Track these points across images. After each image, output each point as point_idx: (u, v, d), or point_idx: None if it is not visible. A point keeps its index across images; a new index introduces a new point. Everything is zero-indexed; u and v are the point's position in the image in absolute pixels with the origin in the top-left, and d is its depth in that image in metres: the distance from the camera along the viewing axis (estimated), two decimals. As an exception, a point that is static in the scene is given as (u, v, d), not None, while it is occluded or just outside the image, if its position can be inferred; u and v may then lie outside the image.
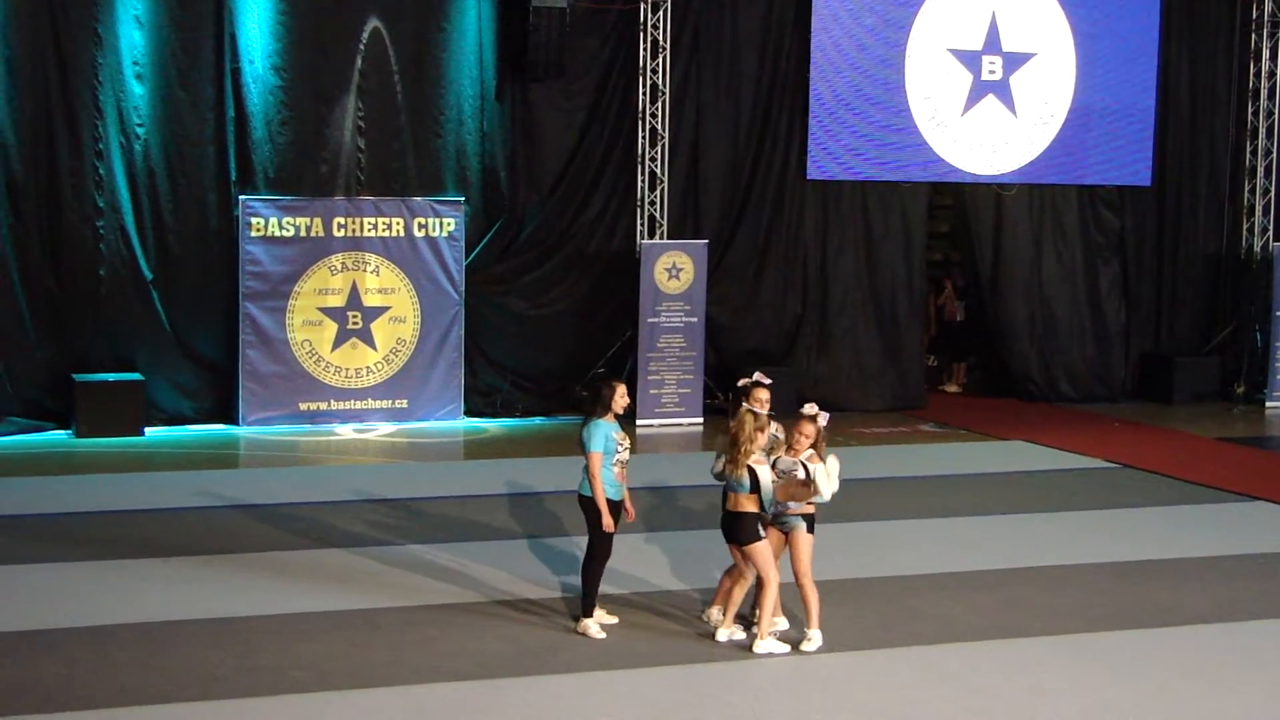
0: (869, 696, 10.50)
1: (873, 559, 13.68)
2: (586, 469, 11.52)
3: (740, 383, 11.85)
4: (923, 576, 13.47)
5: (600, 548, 11.59)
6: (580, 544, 13.73)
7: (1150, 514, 16.21)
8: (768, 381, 11.90)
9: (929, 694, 10.54)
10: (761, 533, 11.16)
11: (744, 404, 11.37)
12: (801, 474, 11.30)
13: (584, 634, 11.52)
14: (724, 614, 11.58)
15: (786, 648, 11.20)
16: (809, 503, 11.35)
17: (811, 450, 11.36)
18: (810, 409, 11.46)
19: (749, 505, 11.14)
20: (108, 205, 18.97)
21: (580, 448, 11.60)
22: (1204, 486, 17.50)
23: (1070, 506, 16.46)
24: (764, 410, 11.60)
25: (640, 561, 13.30)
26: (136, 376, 19.01)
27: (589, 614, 11.61)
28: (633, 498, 11.89)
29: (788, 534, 11.38)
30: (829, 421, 11.58)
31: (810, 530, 11.42)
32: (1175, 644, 11.74)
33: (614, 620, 11.76)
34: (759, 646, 11.17)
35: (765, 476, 11.10)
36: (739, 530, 11.21)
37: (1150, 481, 17.84)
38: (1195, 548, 14.69)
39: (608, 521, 11.48)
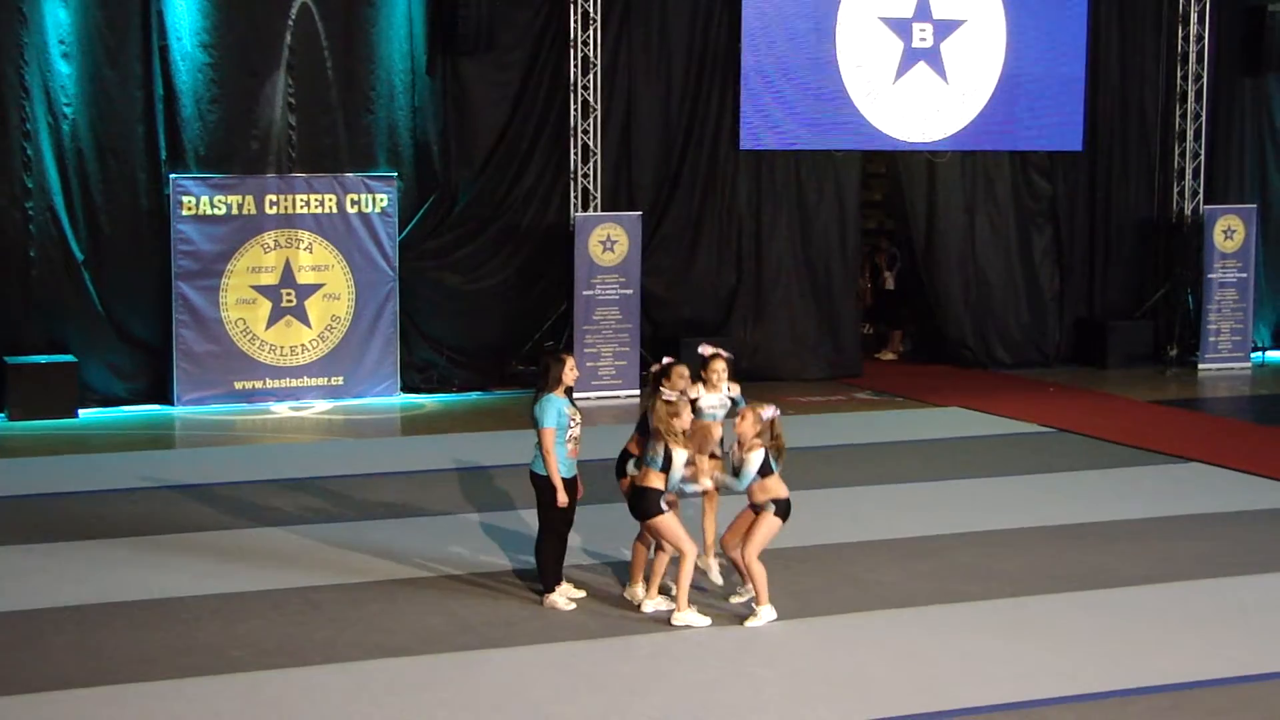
0: (807, 664, 10.55)
1: (810, 527, 13.71)
2: (539, 445, 11.49)
3: (659, 365, 11.77)
4: (860, 544, 13.54)
5: (556, 524, 11.57)
6: (522, 518, 13.76)
7: (1085, 477, 16.32)
8: (713, 352, 11.91)
9: (867, 660, 10.59)
10: (663, 507, 11.13)
11: (661, 389, 11.32)
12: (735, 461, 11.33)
13: (552, 608, 11.51)
14: (647, 587, 11.58)
15: (707, 620, 11.16)
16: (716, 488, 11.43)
17: (756, 441, 11.30)
18: (767, 410, 11.35)
19: (655, 481, 11.11)
20: (36, 186, 18.80)
21: (532, 424, 11.56)
22: (1138, 449, 17.63)
23: (1006, 471, 16.56)
24: (721, 381, 11.67)
25: (577, 535, 13.30)
26: (69, 358, 18.87)
27: (552, 589, 11.61)
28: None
29: (757, 512, 11.37)
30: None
31: (781, 515, 11.33)
32: (1112, 605, 11.83)
33: (581, 594, 11.77)
34: (677, 618, 11.14)
35: (678, 461, 11.10)
36: (642, 503, 11.16)
37: (1085, 445, 17.96)
38: (1130, 510, 14.80)
39: (561, 498, 11.44)
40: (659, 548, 11.46)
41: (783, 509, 11.35)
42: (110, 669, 10.22)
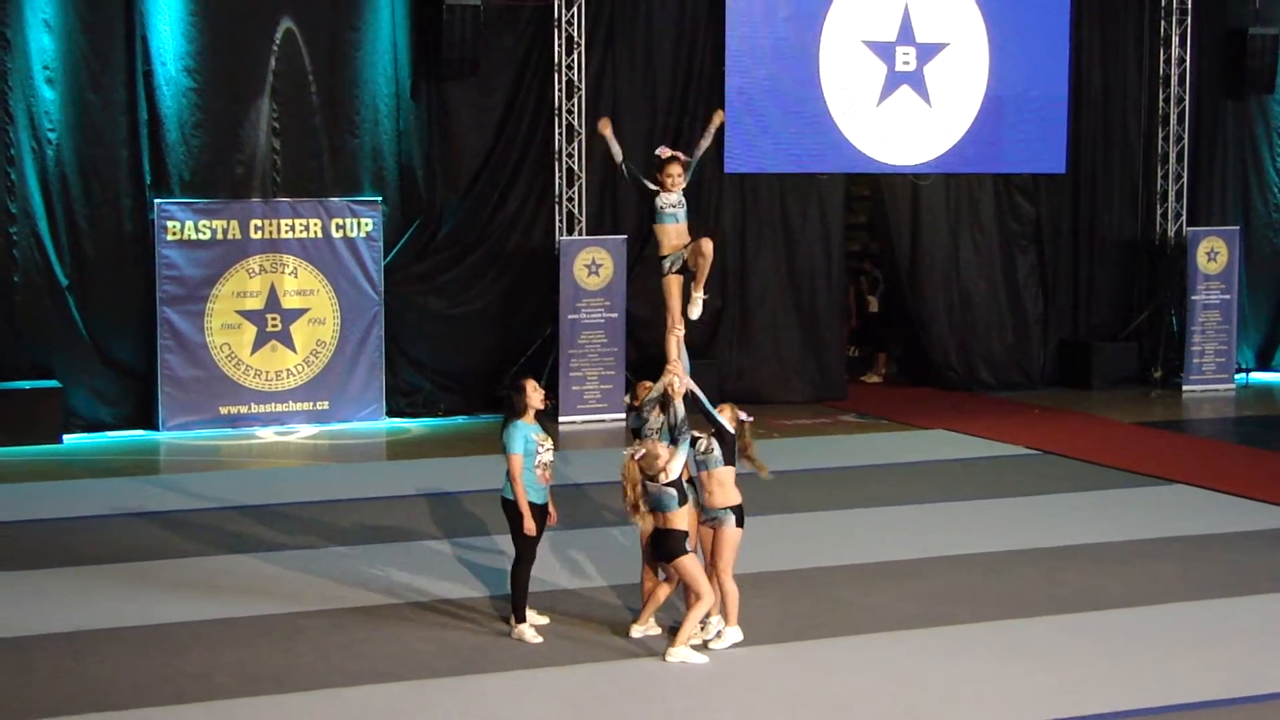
0: (794, 689, 10.54)
1: (796, 550, 13.72)
2: (508, 472, 11.48)
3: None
4: (846, 567, 13.53)
5: (524, 552, 11.55)
6: (505, 545, 13.74)
7: (1071, 499, 16.32)
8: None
9: (855, 684, 10.58)
10: (687, 548, 11.11)
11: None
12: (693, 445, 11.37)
13: (520, 640, 11.45)
14: (642, 612, 11.56)
15: (704, 659, 11.04)
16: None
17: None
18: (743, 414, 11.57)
19: (679, 522, 11.07)
20: (21, 211, 18.77)
21: (502, 451, 11.56)
22: (1123, 471, 17.64)
23: (992, 494, 16.56)
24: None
25: (563, 559, 13.30)
26: (54, 384, 18.83)
27: (521, 619, 11.57)
28: (556, 495, 11.87)
29: (715, 529, 11.36)
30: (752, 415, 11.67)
31: (739, 524, 11.36)
32: (1100, 627, 11.84)
33: (545, 620, 11.71)
34: (673, 654, 11.03)
35: (677, 469, 11.09)
36: (670, 545, 11.10)
37: (1070, 467, 17.96)
38: (1116, 532, 14.81)
39: (529, 525, 11.42)
40: (667, 579, 11.43)
41: (738, 516, 11.35)
42: (99, 696, 10.19)
